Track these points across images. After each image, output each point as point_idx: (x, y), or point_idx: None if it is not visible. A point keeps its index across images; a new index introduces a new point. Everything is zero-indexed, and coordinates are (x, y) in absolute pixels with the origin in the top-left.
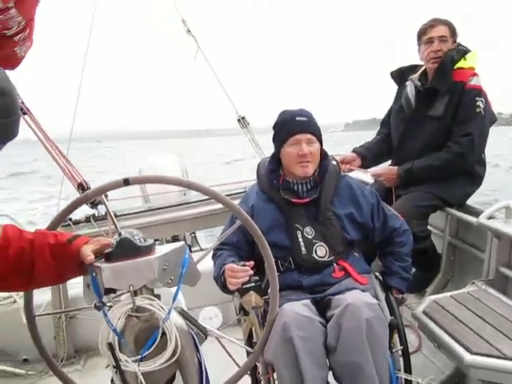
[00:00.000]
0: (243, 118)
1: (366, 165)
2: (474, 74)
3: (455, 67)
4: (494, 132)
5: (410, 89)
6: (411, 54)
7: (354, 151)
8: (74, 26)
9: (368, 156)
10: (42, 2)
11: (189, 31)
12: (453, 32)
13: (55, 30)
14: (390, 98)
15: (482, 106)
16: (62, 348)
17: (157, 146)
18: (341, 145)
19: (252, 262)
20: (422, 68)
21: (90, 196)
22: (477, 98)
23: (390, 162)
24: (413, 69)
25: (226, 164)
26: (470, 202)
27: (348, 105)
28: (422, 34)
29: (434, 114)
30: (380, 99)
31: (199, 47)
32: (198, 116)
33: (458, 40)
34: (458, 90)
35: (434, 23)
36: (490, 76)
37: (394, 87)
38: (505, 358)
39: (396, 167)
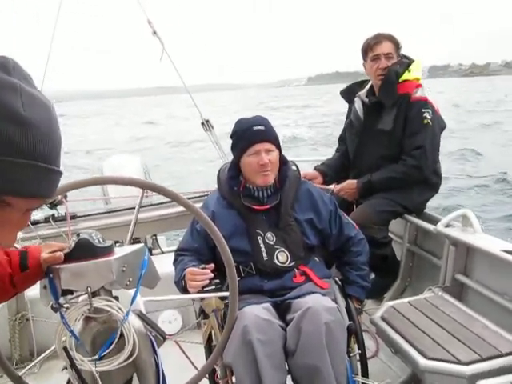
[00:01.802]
0: (207, 121)
1: (327, 182)
2: (419, 85)
3: (400, 80)
4: (456, 83)
5: (357, 104)
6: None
7: (315, 169)
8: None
9: (329, 173)
10: None
11: (155, 33)
12: (397, 46)
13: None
14: (352, 52)
15: (429, 116)
16: (18, 351)
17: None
18: (303, 96)
19: (212, 265)
20: (369, 84)
21: None
22: (423, 110)
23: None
24: (360, 85)
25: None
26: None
27: (311, 59)
28: (367, 50)
29: (383, 127)
30: (343, 53)
31: (165, 49)
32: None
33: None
34: (404, 103)
35: (380, 39)
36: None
37: (357, 42)
38: (459, 363)
39: (355, 181)
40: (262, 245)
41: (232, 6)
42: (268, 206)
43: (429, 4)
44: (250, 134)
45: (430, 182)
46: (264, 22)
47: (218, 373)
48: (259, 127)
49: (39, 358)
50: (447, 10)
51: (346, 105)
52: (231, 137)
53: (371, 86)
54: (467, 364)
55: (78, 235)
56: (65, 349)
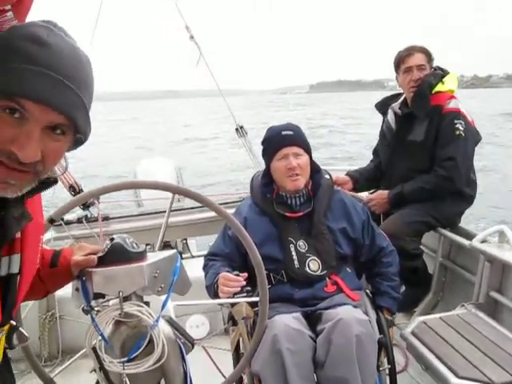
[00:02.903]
0: (241, 127)
1: (357, 188)
2: (452, 97)
3: (433, 91)
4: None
5: (390, 116)
6: (377, 17)
7: (347, 174)
8: (75, 27)
9: (360, 180)
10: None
11: (192, 37)
12: (429, 58)
13: None
14: (355, 60)
15: (461, 128)
16: (46, 348)
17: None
18: (304, 105)
19: (246, 274)
20: (403, 96)
21: (56, 218)
22: (455, 121)
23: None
24: (395, 97)
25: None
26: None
27: (313, 66)
28: (399, 62)
29: (415, 138)
30: (345, 61)
31: (201, 54)
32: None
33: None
34: (437, 114)
35: (411, 52)
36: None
37: (359, 52)
38: (491, 383)
39: (386, 191)
40: (293, 252)
41: (234, 10)
42: (301, 214)
43: (430, 14)
44: (278, 139)
45: (463, 193)
46: (266, 27)
47: (246, 381)
48: (288, 132)
49: (71, 361)
50: (448, 21)
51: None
52: (262, 143)
53: (405, 98)
54: None
55: (112, 239)
56: (94, 350)
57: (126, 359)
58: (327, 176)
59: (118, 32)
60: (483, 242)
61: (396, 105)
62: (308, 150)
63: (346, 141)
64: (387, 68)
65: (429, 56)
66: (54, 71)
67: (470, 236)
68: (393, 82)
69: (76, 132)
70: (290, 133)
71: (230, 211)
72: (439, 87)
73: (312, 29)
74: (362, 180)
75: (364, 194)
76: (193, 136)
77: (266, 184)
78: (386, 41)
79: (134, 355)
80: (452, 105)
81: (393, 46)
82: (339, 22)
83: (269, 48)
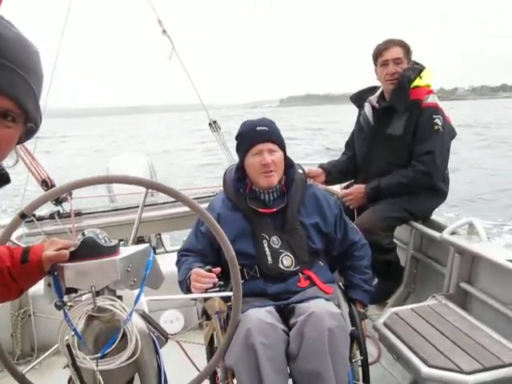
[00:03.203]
0: (215, 122)
1: (330, 181)
2: (430, 92)
3: (412, 86)
4: None
5: (367, 109)
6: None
7: (319, 167)
8: (47, 25)
9: (333, 172)
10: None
11: (164, 31)
12: (407, 51)
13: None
14: (323, 75)
15: (439, 123)
16: (19, 346)
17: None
18: (277, 119)
19: (219, 269)
20: (380, 89)
21: (27, 213)
22: (434, 116)
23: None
24: (371, 90)
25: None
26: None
27: (283, 81)
28: (377, 55)
29: (394, 132)
30: (314, 75)
31: (174, 48)
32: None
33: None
34: (416, 109)
35: (389, 45)
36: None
37: (328, 66)
38: (461, 372)
39: (363, 185)
40: (266, 248)
41: (206, 24)
42: (274, 210)
43: (398, 29)
44: (252, 135)
45: (438, 189)
46: (236, 41)
47: (219, 375)
48: (262, 128)
49: (43, 356)
50: (414, 35)
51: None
52: (236, 138)
53: (382, 92)
54: (469, 373)
55: (84, 234)
56: (67, 346)
57: (99, 355)
58: (300, 171)
59: (85, 42)
60: (453, 233)
61: (373, 98)
62: (282, 146)
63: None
64: (356, 81)
65: (407, 49)
66: (2, 57)
67: (440, 228)
68: None
69: (27, 121)
70: (265, 128)
71: (204, 206)
72: (417, 82)
73: (281, 43)
74: (335, 172)
75: (336, 187)
76: (165, 147)
77: (238, 179)
78: (355, 55)
79: (108, 351)
80: (430, 99)
81: (361, 59)
82: (308, 37)
83: (239, 63)
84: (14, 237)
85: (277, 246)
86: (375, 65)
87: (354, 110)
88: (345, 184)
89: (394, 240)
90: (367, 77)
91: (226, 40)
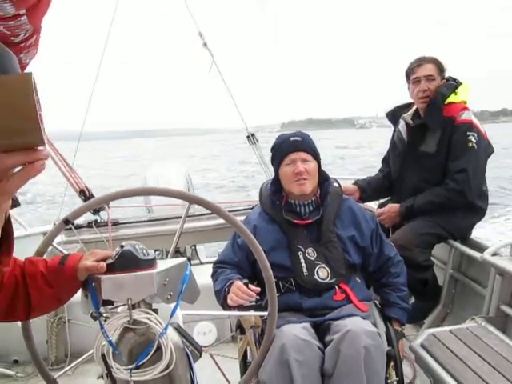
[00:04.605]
0: (253, 135)
1: (364, 198)
2: (465, 108)
3: (446, 102)
4: None
5: (401, 126)
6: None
7: (354, 183)
8: (89, 38)
9: (368, 190)
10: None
11: (205, 44)
12: (440, 69)
13: (70, 37)
14: (325, 99)
15: (474, 140)
16: (54, 352)
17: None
18: None
19: (259, 289)
20: (415, 106)
21: (71, 219)
22: (468, 133)
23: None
24: (407, 107)
25: None
26: None
27: (285, 106)
28: (409, 73)
29: (427, 150)
30: (315, 100)
31: (214, 61)
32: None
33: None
34: (449, 126)
35: (421, 62)
36: None
37: (330, 90)
38: None
39: (397, 205)
40: (302, 260)
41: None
42: (310, 221)
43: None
44: (286, 145)
45: (474, 206)
46: (240, 68)
47: None
48: (296, 138)
49: (75, 363)
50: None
51: None
52: (271, 150)
53: (417, 109)
54: None
55: (122, 246)
56: (103, 356)
57: (133, 366)
58: (336, 184)
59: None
60: (494, 254)
61: (408, 115)
62: (316, 157)
63: None
64: (357, 106)
65: (439, 66)
66: None
67: (481, 248)
68: (362, 119)
69: None
70: (299, 139)
71: (240, 218)
72: (452, 98)
73: (283, 68)
74: (370, 190)
75: (372, 204)
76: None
77: (275, 191)
78: (357, 80)
79: (142, 362)
80: (465, 116)
81: (362, 84)
82: (310, 62)
83: (242, 88)
84: (54, 242)
85: (312, 258)
86: (408, 82)
87: (354, 134)
88: (382, 200)
89: (432, 259)
90: (370, 102)
91: (229, 66)
